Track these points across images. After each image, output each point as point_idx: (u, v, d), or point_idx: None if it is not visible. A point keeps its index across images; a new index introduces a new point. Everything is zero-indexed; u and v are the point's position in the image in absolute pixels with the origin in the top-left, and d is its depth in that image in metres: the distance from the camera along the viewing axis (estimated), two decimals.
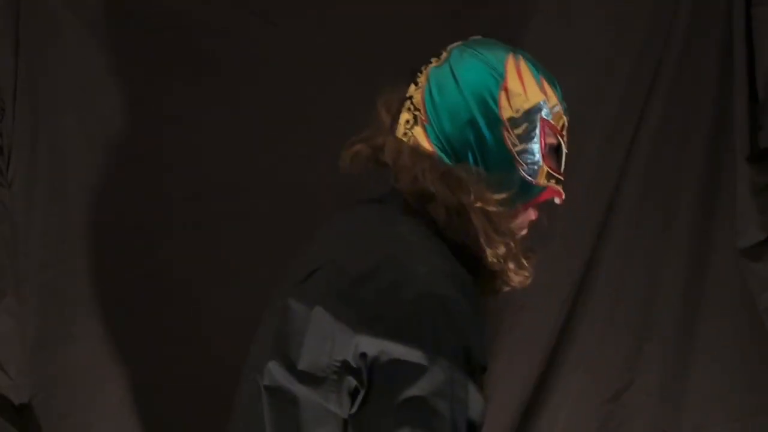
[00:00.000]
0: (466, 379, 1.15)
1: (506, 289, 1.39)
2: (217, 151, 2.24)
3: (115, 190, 2.23)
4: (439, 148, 1.32)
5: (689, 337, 2.32)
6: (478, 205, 1.29)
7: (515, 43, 2.24)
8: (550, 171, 1.36)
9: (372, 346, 1.15)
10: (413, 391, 1.12)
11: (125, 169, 2.23)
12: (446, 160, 1.32)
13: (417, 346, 1.14)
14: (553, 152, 1.38)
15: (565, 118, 1.39)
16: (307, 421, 1.21)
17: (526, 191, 1.34)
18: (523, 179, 1.33)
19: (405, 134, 1.36)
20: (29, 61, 2.17)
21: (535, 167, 1.34)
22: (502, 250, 1.31)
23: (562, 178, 1.39)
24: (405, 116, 1.37)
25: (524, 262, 1.34)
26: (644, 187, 2.30)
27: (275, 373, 1.24)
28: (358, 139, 1.44)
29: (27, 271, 2.20)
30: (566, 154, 1.40)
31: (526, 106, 1.33)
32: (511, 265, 1.33)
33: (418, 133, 1.34)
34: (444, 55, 1.38)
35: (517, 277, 1.35)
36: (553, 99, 1.36)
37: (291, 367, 1.22)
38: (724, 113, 2.27)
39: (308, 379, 1.20)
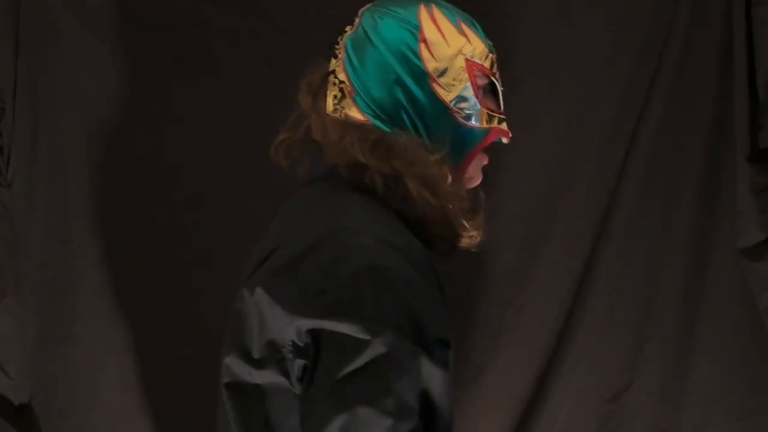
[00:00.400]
0: (415, 353, 1.11)
1: (456, 250, 1.34)
2: (217, 151, 2.24)
3: (115, 190, 2.23)
4: (372, 116, 1.28)
5: (689, 337, 2.32)
6: (413, 169, 1.25)
7: (516, 42, 2.26)
8: (490, 112, 1.33)
9: (314, 322, 1.12)
10: (354, 365, 1.09)
11: (125, 169, 2.23)
12: (383, 127, 1.28)
13: (358, 321, 1.10)
14: (488, 93, 1.34)
15: (492, 55, 1.34)
16: (275, 412, 1.18)
17: (469, 138, 1.31)
18: (464, 127, 1.30)
19: (335, 110, 1.31)
20: (29, 61, 2.17)
21: (473, 112, 1.30)
22: (441, 213, 1.27)
23: (504, 116, 1.36)
24: (332, 92, 1.33)
25: (465, 223, 1.30)
26: (644, 187, 2.30)
27: (234, 367, 1.22)
28: (285, 128, 1.41)
29: (27, 271, 2.21)
30: (502, 90, 1.36)
31: (449, 52, 1.29)
32: (455, 229, 1.29)
33: (348, 105, 1.30)
34: (357, 20, 1.34)
35: (464, 240, 1.32)
36: (475, 40, 1.32)
37: (248, 358, 1.20)
38: (724, 113, 2.26)
39: (266, 363, 1.17)
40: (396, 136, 1.27)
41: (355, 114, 1.30)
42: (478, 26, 1.35)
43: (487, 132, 1.33)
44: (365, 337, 1.10)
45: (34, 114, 2.18)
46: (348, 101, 1.30)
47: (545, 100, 2.27)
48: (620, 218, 2.31)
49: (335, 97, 1.32)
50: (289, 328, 1.14)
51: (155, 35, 2.20)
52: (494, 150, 2.40)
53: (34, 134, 2.19)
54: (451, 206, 1.28)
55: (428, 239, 1.28)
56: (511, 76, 2.24)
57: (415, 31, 1.28)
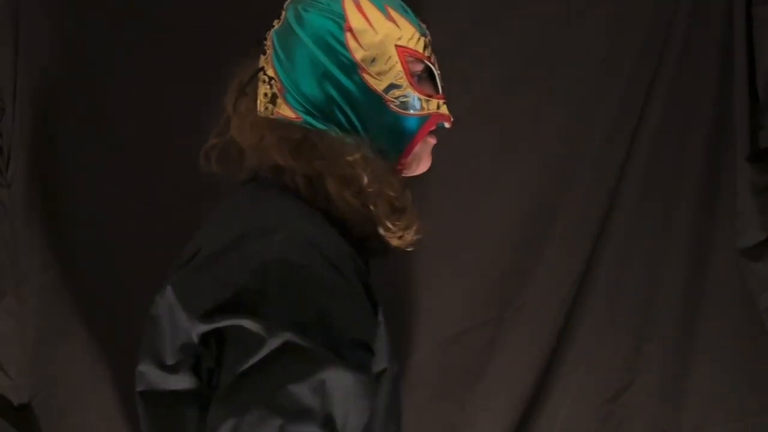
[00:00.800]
0: (320, 353, 1.05)
1: (389, 250, 1.29)
2: None
3: (115, 190, 2.23)
4: (303, 112, 1.24)
5: (689, 337, 2.32)
6: (334, 169, 1.22)
7: (516, 43, 2.26)
8: (426, 97, 1.29)
9: (218, 320, 1.08)
10: (252, 362, 1.04)
11: (125, 169, 2.23)
12: (316, 123, 1.24)
13: (260, 316, 1.05)
14: (425, 78, 1.31)
15: (425, 39, 1.31)
16: (194, 420, 1.13)
17: (407, 127, 1.27)
18: (400, 115, 1.26)
19: (266, 108, 1.27)
20: (29, 61, 2.17)
21: (408, 99, 1.26)
22: (362, 213, 1.23)
23: (443, 100, 1.32)
24: (262, 90, 1.29)
25: (389, 224, 1.25)
26: (644, 187, 2.30)
27: (148, 375, 1.18)
28: (214, 133, 1.37)
29: (27, 271, 2.20)
30: (439, 74, 1.32)
31: (376, 39, 1.24)
32: (380, 230, 1.24)
33: (279, 103, 1.26)
34: (283, 14, 1.30)
35: (393, 240, 1.27)
36: (405, 24, 1.28)
37: (161, 364, 1.16)
38: (724, 113, 2.26)
39: (181, 368, 1.14)
40: (322, 135, 1.23)
41: (286, 111, 1.26)
42: (408, 10, 1.30)
43: (426, 118, 1.29)
44: (264, 333, 1.05)
45: (34, 114, 2.18)
46: (278, 99, 1.26)
47: (545, 100, 2.27)
48: (620, 218, 2.31)
49: (265, 95, 1.28)
50: (194, 330, 1.11)
51: (155, 35, 2.20)
52: (494, 150, 2.41)
53: (34, 134, 2.19)
54: (372, 207, 1.23)
55: (356, 238, 1.24)
56: (510, 76, 2.26)
57: (340, 20, 1.24)
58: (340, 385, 1.06)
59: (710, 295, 2.32)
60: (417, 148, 1.30)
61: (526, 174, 2.29)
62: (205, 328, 1.10)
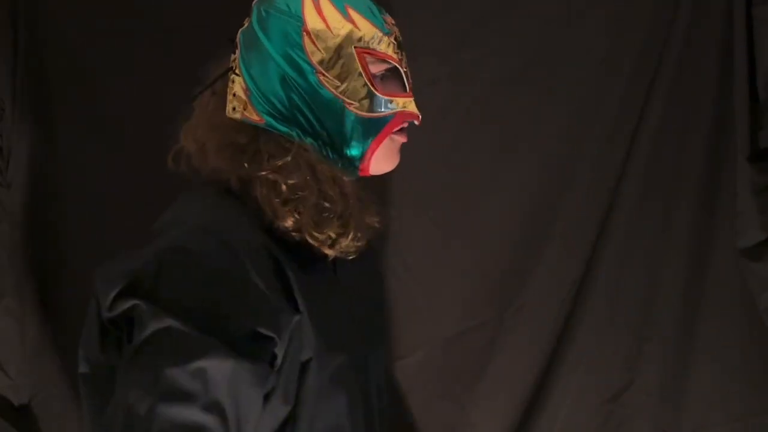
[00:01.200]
0: (203, 339, 1.06)
1: (329, 253, 1.28)
2: None
3: (115, 190, 2.23)
4: (266, 114, 1.25)
5: (689, 337, 2.32)
6: (266, 176, 1.22)
7: (515, 42, 2.26)
8: (389, 97, 1.27)
9: (120, 305, 1.11)
10: (135, 344, 1.07)
11: (125, 169, 2.23)
12: (279, 126, 1.24)
13: (149, 301, 1.08)
14: (389, 77, 1.30)
15: (388, 38, 1.28)
16: None
17: (371, 127, 1.26)
18: (362, 117, 1.25)
19: (234, 109, 1.28)
20: (29, 60, 2.17)
21: (369, 100, 1.25)
22: (290, 222, 1.23)
23: (410, 98, 1.31)
24: (231, 89, 1.30)
25: (315, 233, 1.24)
26: (644, 187, 2.30)
27: (89, 355, 1.20)
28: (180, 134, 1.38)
29: (27, 271, 2.20)
30: (405, 72, 1.30)
31: (335, 42, 1.23)
32: (307, 237, 1.24)
33: (246, 104, 1.27)
34: (250, 14, 1.30)
35: (323, 248, 1.26)
36: (365, 24, 1.26)
37: (95, 348, 1.19)
38: (724, 113, 2.26)
39: (108, 350, 1.17)
40: (269, 138, 1.24)
41: (251, 113, 1.26)
42: (374, 9, 1.29)
43: (388, 118, 1.28)
44: (150, 316, 1.07)
45: (34, 114, 2.18)
46: (245, 100, 1.27)
47: (545, 100, 2.27)
48: (620, 218, 2.31)
49: (234, 94, 1.29)
50: (104, 316, 1.14)
51: (155, 35, 2.20)
52: (494, 150, 2.41)
53: (34, 134, 2.19)
54: (297, 214, 1.23)
55: (289, 242, 1.24)
56: (510, 76, 2.26)
57: (298, 22, 1.24)
58: (223, 372, 1.07)
59: (710, 295, 2.31)
60: (381, 149, 1.30)
61: (526, 174, 2.29)
62: (109, 314, 1.13)
